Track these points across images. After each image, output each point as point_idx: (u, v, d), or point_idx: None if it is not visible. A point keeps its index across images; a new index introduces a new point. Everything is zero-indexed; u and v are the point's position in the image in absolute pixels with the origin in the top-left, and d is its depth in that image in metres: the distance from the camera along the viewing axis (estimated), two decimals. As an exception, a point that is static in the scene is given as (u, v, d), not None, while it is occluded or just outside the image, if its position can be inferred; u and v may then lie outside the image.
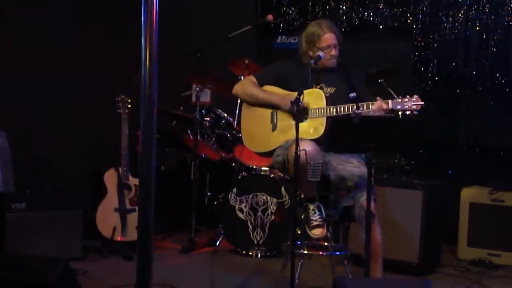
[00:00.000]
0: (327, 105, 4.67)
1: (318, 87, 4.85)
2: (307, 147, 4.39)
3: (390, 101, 4.45)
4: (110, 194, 5.98)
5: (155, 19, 2.67)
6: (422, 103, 4.38)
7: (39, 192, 5.77)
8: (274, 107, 4.93)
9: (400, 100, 4.44)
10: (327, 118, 4.64)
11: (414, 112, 4.39)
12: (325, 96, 4.74)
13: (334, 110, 4.62)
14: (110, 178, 6.00)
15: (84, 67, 6.41)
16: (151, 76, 2.68)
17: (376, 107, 4.45)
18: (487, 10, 6.35)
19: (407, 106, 4.39)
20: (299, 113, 4.34)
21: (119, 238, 5.91)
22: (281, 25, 7.42)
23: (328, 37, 4.88)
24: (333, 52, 4.88)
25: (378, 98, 4.51)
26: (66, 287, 3.73)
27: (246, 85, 5.08)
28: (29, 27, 6.19)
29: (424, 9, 6.65)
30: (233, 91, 5.16)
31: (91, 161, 6.47)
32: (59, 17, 6.32)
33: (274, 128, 4.92)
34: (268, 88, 4.99)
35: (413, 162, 6.09)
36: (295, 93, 4.42)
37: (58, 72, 6.28)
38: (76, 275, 4.40)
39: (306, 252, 4.95)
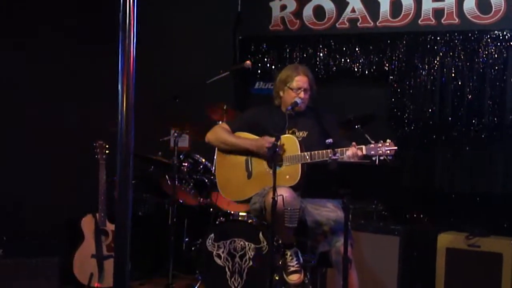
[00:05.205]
0: (300, 150, 4.70)
1: (290, 131, 4.87)
2: (284, 193, 4.40)
3: (364, 147, 4.47)
4: (87, 240, 5.94)
5: (132, 65, 2.69)
6: (396, 147, 4.41)
7: (16, 238, 5.74)
8: (248, 152, 4.94)
9: (373, 145, 4.46)
10: (302, 164, 4.66)
11: (388, 157, 4.42)
12: (298, 141, 4.76)
13: (309, 156, 4.64)
14: (87, 224, 5.96)
15: (61, 112, 6.41)
16: (127, 122, 2.69)
17: (350, 153, 4.47)
18: (462, 57, 6.42)
19: (381, 151, 4.41)
20: (276, 158, 4.36)
21: (96, 285, 5.86)
22: (259, 71, 7.45)
23: (300, 79, 4.92)
24: (302, 95, 4.91)
25: (353, 143, 4.53)
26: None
27: (218, 132, 5.10)
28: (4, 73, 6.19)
29: (400, 56, 6.70)
30: (205, 139, 5.17)
31: (68, 207, 6.41)
32: (38, 64, 6.33)
33: (249, 175, 4.93)
34: (241, 134, 5.02)
35: (390, 208, 6.11)
36: (267, 137, 4.47)
37: (35, 118, 6.27)
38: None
39: (283, 298, 4.90)
